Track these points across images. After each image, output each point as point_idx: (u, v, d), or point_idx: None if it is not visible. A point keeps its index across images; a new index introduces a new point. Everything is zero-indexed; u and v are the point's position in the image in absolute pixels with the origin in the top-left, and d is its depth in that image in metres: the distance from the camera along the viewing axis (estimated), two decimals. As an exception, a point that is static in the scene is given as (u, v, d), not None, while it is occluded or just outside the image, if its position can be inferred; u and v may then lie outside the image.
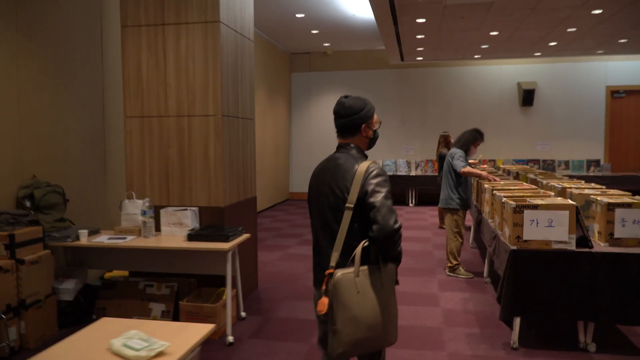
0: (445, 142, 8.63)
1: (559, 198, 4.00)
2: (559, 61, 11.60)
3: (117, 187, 5.60)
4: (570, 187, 4.74)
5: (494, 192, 4.62)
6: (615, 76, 11.44)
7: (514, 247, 3.63)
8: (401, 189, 11.92)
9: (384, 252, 2.07)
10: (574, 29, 8.06)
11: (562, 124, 11.75)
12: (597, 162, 11.52)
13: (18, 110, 4.29)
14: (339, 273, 2.00)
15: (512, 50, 10.11)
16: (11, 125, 4.22)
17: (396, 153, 12.48)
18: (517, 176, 7.04)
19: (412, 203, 11.79)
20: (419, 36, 8.60)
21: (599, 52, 10.31)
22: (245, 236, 4.22)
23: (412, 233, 8.38)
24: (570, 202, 3.66)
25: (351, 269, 2.01)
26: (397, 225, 2.01)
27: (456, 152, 5.56)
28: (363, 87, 12.59)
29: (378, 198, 2.05)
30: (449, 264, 5.79)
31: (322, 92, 12.89)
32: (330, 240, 2.16)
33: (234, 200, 4.59)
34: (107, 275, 5.11)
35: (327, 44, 11.75)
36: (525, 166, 8.82)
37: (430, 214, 10.55)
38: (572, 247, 3.56)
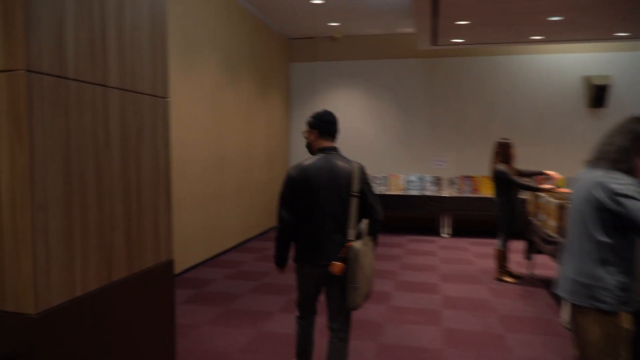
0: (503, 153, 5.85)
1: None
2: (641, 48, 8.80)
3: None
4: None
5: None
6: None
7: None
8: (429, 213, 9.14)
9: (377, 228, 2.96)
10: None
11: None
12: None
13: None
14: (357, 244, 2.76)
15: (587, 27, 7.32)
16: None
17: (423, 166, 9.71)
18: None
19: (446, 233, 8.98)
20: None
21: None
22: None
23: (458, 290, 5.58)
24: None
25: (361, 241, 2.80)
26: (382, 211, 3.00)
27: (622, 183, 2.27)
28: (382, 80, 9.86)
29: (371, 189, 2.93)
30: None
31: (330, 86, 10.17)
32: (334, 224, 2.83)
33: (89, 287, 1.87)
34: None
35: (335, 24, 9.05)
36: None
37: (474, 250, 7.74)
38: None
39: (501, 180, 5.76)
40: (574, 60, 9.10)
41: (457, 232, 9.13)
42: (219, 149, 7.04)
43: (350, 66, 10.04)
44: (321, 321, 3.61)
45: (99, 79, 1.94)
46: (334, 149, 2.98)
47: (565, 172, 8.62)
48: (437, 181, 9.44)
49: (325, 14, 8.33)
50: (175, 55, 5.82)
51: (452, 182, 9.39)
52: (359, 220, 2.87)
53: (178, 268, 5.95)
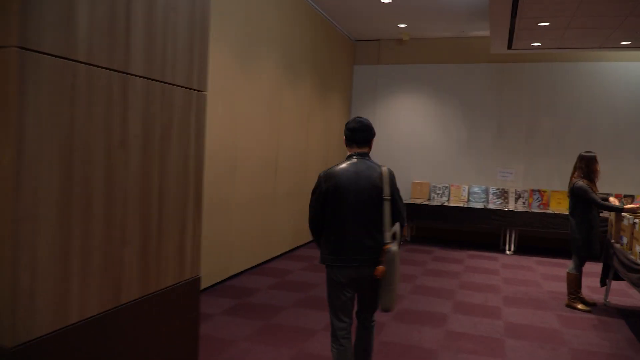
0: (586, 168, 5.22)
1: None
2: None
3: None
4: None
5: None
6: None
7: None
8: (492, 228, 8.52)
9: (402, 233, 3.03)
10: None
11: None
12: None
13: None
14: (394, 247, 2.81)
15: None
16: None
17: (487, 178, 9.08)
18: None
19: (509, 250, 8.33)
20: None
21: None
22: None
23: (523, 316, 5.01)
24: None
25: (396, 243, 2.86)
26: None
27: None
28: (448, 85, 9.32)
29: (399, 194, 2.99)
30: None
31: (393, 90, 9.72)
32: (362, 228, 2.85)
33: (89, 312, 1.56)
34: None
35: (403, 25, 8.60)
36: None
37: (541, 271, 7.08)
38: None
39: (579, 198, 5.14)
40: (664, 68, 8.23)
41: (522, 250, 8.46)
42: (273, 152, 6.76)
43: (416, 70, 9.55)
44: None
45: (117, 64, 1.65)
46: (363, 154, 3.00)
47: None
48: (503, 194, 8.80)
49: (392, 15, 7.92)
50: (234, 51, 5.58)
51: (519, 196, 8.72)
52: (391, 222, 2.91)
53: (222, 275, 5.69)
